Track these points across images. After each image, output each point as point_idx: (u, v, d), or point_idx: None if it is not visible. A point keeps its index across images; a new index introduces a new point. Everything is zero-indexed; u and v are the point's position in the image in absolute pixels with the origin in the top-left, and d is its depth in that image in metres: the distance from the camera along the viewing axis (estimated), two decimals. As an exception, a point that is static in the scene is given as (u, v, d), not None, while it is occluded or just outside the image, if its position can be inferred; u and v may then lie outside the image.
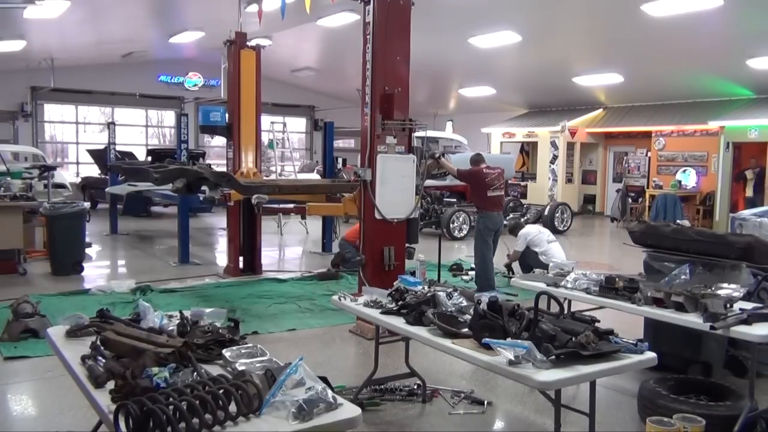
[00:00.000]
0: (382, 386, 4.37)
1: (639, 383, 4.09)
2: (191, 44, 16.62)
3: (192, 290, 7.69)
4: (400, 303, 3.62)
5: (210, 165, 11.86)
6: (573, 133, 17.94)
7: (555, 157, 18.01)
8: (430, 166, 7.78)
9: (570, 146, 18.11)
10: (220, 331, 2.87)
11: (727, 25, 11.49)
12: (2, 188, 9.75)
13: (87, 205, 10.03)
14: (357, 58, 5.87)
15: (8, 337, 5.39)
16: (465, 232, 12.36)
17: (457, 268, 8.98)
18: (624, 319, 4.15)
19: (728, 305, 3.64)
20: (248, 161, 8.68)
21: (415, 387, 4.40)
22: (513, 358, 2.69)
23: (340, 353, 5.60)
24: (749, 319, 3.41)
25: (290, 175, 14.13)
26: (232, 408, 2.08)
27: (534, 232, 8.13)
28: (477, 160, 7.58)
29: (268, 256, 9.85)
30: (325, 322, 6.36)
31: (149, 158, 15.55)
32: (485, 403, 4.27)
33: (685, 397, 3.80)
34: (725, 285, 4.03)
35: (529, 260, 7.83)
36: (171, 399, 2.05)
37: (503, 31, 13.17)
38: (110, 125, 14.07)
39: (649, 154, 16.84)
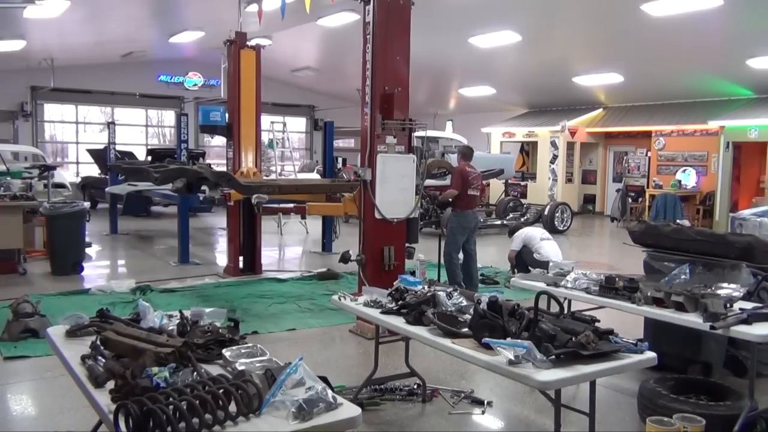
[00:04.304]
0: (382, 386, 4.36)
1: (639, 383, 4.09)
2: (191, 44, 16.62)
3: (192, 290, 7.69)
4: (400, 303, 3.62)
5: (210, 165, 11.86)
6: (573, 133, 17.94)
7: (555, 157, 18.01)
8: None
9: (570, 146, 18.11)
10: (220, 330, 2.87)
11: (727, 25, 11.49)
12: (2, 188, 9.74)
13: (87, 205, 10.04)
14: (357, 58, 5.87)
15: (8, 337, 5.39)
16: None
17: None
18: (624, 319, 4.15)
19: (728, 305, 3.63)
20: (248, 161, 8.68)
21: (415, 387, 4.39)
22: (513, 358, 2.69)
23: (340, 353, 5.60)
24: (749, 319, 3.41)
25: (290, 175, 14.12)
26: (232, 408, 2.08)
27: (529, 231, 8.32)
28: (467, 153, 7.77)
29: (268, 256, 9.84)
30: (325, 322, 6.36)
31: (149, 158, 15.53)
32: (485, 403, 4.27)
33: (685, 397, 3.80)
34: (725, 285, 4.03)
35: (525, 258, 7.90)
36: (171, 399, 2.05)
37: (503, 31, 13.18)
38: (110, 125, 14.09)
39: (649, 154, 16.85)
